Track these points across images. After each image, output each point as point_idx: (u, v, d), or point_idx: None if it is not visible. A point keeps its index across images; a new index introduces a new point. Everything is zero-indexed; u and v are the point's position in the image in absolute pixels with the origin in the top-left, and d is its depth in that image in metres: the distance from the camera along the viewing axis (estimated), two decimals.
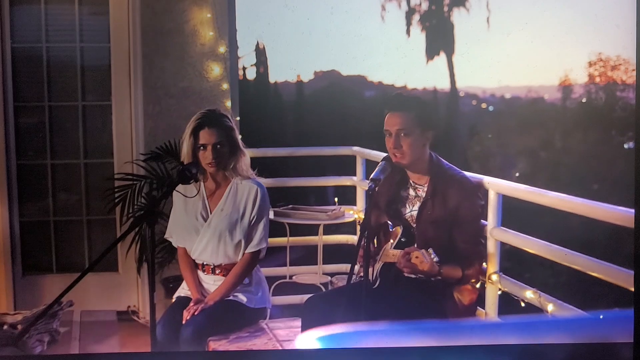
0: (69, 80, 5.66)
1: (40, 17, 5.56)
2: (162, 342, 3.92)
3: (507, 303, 4.10)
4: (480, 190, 4.13)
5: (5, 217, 5.53)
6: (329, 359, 3.66)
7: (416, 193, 4.09)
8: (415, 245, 3.91)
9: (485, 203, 4.16)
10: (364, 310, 3.75)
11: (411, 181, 4.11)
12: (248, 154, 4.19)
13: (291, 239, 5.42)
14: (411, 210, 4.09)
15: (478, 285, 4.08)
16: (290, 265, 5.46)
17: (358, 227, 5.24)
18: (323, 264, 5.39)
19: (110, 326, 5.15)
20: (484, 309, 4.17)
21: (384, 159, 4.04)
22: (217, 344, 3.96)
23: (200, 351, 3.95)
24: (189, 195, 4.10)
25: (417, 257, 3.76)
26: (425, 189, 4.04)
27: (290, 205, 5.52)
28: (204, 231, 4.13)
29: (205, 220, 4.15)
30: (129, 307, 5.52)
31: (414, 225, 4.04)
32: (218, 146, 4.03)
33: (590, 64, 9.38)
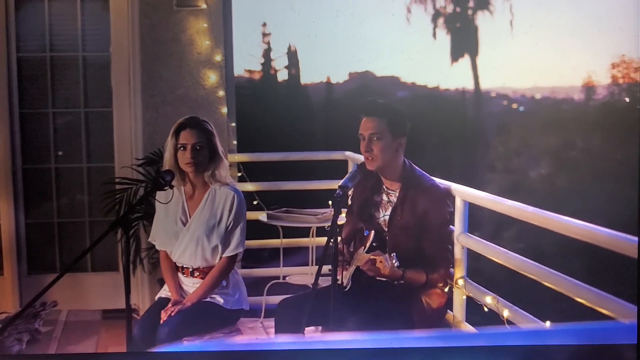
0: (72, 88, 5.90)
1: (44, 28, 5.79)
2: (139, 340, 4.09)
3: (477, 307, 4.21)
4: (450, 198, 4.24)
5: (12, 219, 5.78)
6: (329, 358, 3.70)
7: (389, 198, 4.22)
8: (387, 250, 4.05)
9: (454, 210, 4.27)
10: (332, 313, 3.89)
11: (384, 187, 4.24)
12: (227, 161, 4.35)
13: (284, 240, 5.59)
14: (384, 215, 4.23)
15: (447, 290, 4.20)
16: (283, 266, 5.63)
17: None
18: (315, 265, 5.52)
19: (93, 325, 5.34)
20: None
21: (358, 166, 4.19)
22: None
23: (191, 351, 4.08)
24: (162, 202, 4.27)
25: (380, 262, 3.90)
26: (397, 195, 4.17)
27: (284, 208, 5.68)
28: (183, 235, 4.29)
29: (184, 224, 4.30)
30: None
31: (386, 230, 4.18)
32: (197, 147, 4.20)
33: (614, 66, 9.37)
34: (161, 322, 4.17)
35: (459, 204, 4.25)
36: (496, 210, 4.07)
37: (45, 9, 5.79)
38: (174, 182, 4.21)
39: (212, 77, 5.76)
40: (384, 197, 4.24)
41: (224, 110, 5.81)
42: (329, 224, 5.44)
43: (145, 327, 4.18)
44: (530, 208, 3.83)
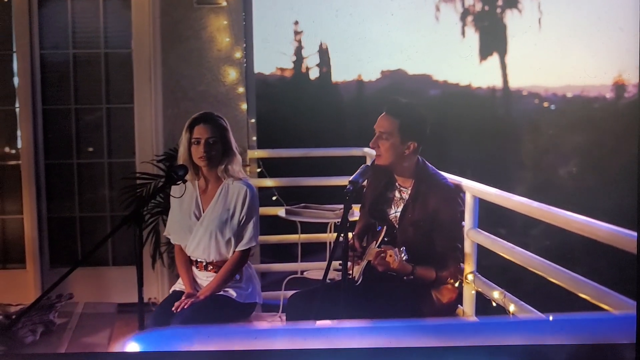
0: (94, 84, 5.99)
1: (67, 25, 5.88)
2: None
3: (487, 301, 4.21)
4: (461, 197, 4.24)
5: (34, 213, 5.87)
6: (329, 358, 3.68)
7: (401, 195, 4.23)
8: (397, 246, 4.07)
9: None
10: (343, 307, 3.92)
11: (397, 184, 4.26)
12: (239, 156, 4.38)
13: (302, 236, 5.62)
14: (395, 212, 4.24)
15: (457, 285, 4.21)
16: (301, 262, 5.67)
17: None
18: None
19: (108, 318, 5.40)
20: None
21: (372, 162, 4.22)
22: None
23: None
24: (175, 196, 4.32)
25: (390, 256, 3.92)
26: (409, 192, 4.19)
27: (303, 204, 5.71)
28: (197, 230, 4.33)
29: (198, 219, 4.35)
30: (149, 299, 5.78)
31: (397, 226, 4.20)
32: (211, 141, 4.23)
33: None
34: (175, 314, 4.21)
35: (469, 199, 4.25)
36: (504, 205, 4.07)
37: (68, 7, 5.87)
38: (188, 177, 4.26)
39: (232, 74, 5.80)
40: (397, 194, 4.26)
41: (244, 106, 5.85)
42: (353, 218, 5.51)
43: (158, 320, 4.22)
44: (535, 203, 3.81)
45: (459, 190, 4.24)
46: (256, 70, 6.12)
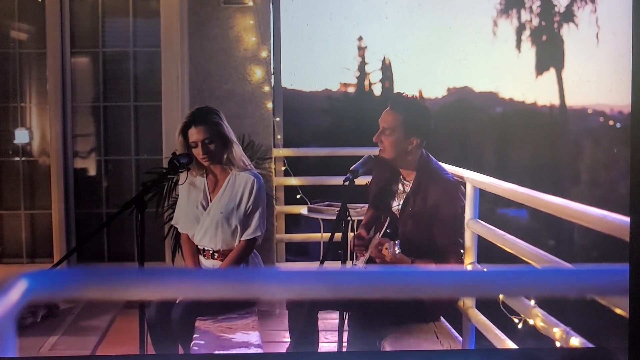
0: (123, 82, 6.10)
1: (97, 25, 6.01)
2: (153, 319, 4.16)
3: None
4: (462, 191, 4.18)
5: (62, 209, 5.98)
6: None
7: (404, 188, 4.21)
8: (398, 237, 4.03)
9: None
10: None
11: (401, 177, 4.24)
12: (238, 145, 4.37)
13: (325, 234, 5.61)
14: (398, 204, 4.21)
15: None
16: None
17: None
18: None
19: (113, 307, 5.42)
20: None
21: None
22: (202, 324, 4.18)
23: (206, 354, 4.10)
24: (180, 184, 4.36)
25: (386, 249, 3.90)
26: (411, 185, 4.16)
27: (326, 202, 5.70)
28: (204, 219, 4.35)
29: (205, 209, 4.38)
30: None
31: (399, 218, 4.17)
32: (207, 142, 4.23)
33: None
34: (177, 302, 4.22)
35: (469, 190, 4.18)
36: (500, 194, 3.98)
37: (98, 6, 6.00)
38: (196, 172, 4.29)
39: (258, 73, 5.84)
40: (400, 187, 4.23)
41: (269, 105, 5.88)
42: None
43: (160, 307, 4.23)
44: (526, 190, 3.72)
45: (460, 184, 4.18)
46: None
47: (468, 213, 4.18)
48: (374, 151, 5.92)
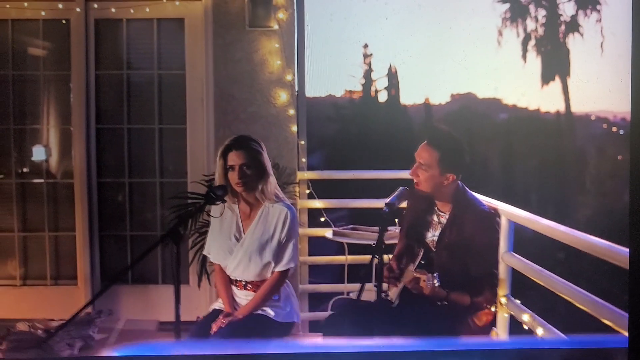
0: (147, 104, 6.10)
1: (122, 47, 6.01)
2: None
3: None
4: (498, 222, 4.22)
5: (86, 230, 5.98)
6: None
7: (439, 219, 4.23)
8: (433, 269, 4.05)
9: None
10: (376, 326, 3.97)
11: (436, 208, 4.26)
12: (273, 178, 4.38)
13: (349, 257, 5.63)
14: (433, 235, 4.24)
15: (493, 309, 4.17)
16: (348, 283, 5.68)
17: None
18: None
19: (147, 335, 5.44)
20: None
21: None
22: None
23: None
24: (215, 216, 4.36)
25: (423, 281, 3.92)
26: (447, 217, 4.18)
27: (351, 226, 5.71)
28: (237, 251, 4.35)
29: (238, 240, 4.38)
30: (197, 317, 5.82)
31: (434, 250, 4.18)
32: (244, 167, 4.24)
33: None
34: (212, 333, 4.23)
35: (504, 223, 4.22)
36: (537, 230, 4.02)
37: (123, 29, 6.00)
38: (228, 200, 4.30)
39: (282, 96, 5.84)
40: (435, 218, 4.26)
41: (294, 128, 5.88)
42: (395, 241, 5.51)
43: (197, 337, 4.25)
44: (566, 228, 3.75)
45: (496, 215, 4.21)
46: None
47: (502, 246, 4.21)
48: (397, 174, 5.97)
